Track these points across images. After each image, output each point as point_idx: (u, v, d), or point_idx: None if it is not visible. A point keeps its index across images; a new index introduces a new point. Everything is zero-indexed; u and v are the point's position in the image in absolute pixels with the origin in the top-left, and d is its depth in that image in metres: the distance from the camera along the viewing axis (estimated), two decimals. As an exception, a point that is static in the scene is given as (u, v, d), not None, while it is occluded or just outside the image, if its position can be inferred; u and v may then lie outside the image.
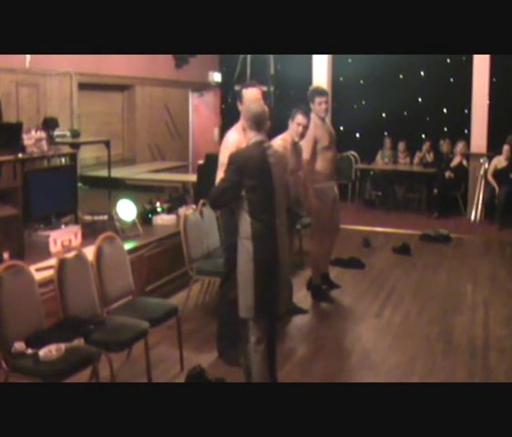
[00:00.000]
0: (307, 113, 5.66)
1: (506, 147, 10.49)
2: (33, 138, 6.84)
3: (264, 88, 11.79)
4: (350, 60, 12.19)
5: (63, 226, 6.30)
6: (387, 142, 12.15)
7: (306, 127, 5.60)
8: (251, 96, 4.81)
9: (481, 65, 10.61)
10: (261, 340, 4.06)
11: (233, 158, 3.98)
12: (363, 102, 12.39)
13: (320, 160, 6.19)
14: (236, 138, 4.65)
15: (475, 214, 10.73)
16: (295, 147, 5.63)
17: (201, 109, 13.66)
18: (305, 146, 5.93)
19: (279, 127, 5.80)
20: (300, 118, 5.54)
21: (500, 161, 10.56)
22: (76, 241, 6.01)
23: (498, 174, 10.54)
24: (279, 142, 5.36)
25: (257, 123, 4.02)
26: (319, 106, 6.21)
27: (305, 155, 5.94)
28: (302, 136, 5.62)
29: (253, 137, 4.04)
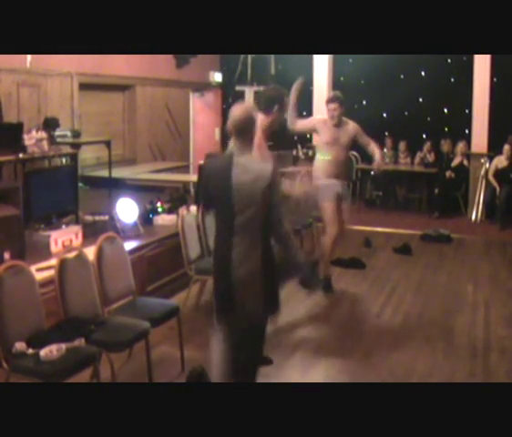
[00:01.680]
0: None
1: (506, 147, 10.49)
2: (33, 138, 6.84)
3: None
4: (351, 60, 12.18)
5: (64, 226, 6.30)
6: (388, 142, 12.15)
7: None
8: None
9: (482, 65, 10.62)
10: (219, 340, 3.90)
11: (202, 167, 3.98)
12: (364, 102, 12.39)
13: (320, 155, 6.78)
14: None
15: (475, 214, 10.73)
16: None
17: (202, 109, 13.66)
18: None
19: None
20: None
21: (501, 161, 10.56)
22: (77, 241, 6.02)
23: (499, 174, 10.54)
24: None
25: (237, 130, 3.68)
26: (331, 111, 6.81)
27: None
28: None
29: (231, 144, 3.79)
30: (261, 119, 4.43)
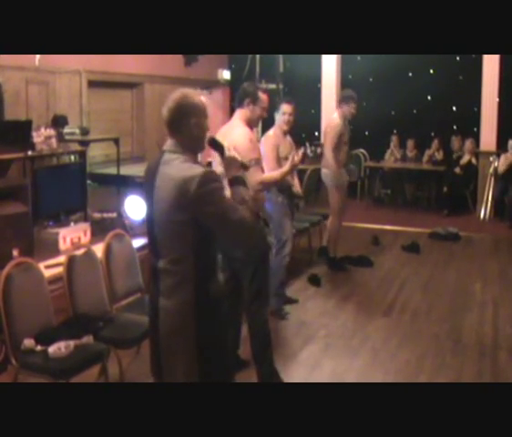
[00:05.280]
0: (290, 101, 6.10)
1: (511, 143, 10.45)
2: (42, 136, 6.87)
3: (273, 86, 11.88)
4: (359, 58, 12.17)
5: (72, 223, 6.32)
6: (396, 140, 12.12)
7: (292, 115, 6.01)
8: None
9: (491, 62, 10.57)
10: None
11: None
12: (373, 100, 12.37)
13: (341, 151, 7.25)
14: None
15: (484, 212, 10.69)
16: (285, 136, 6.02)
17: (210, 107, 13.66)
18: (330, 139, 7.16)
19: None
20: (285, 107, 5.98)
21: (507, 158, 10.50)
22: (86, 239, 6.03)
23: (505, 171, 10.47)
24: (271, 133, 5.93)
25: (167, 123, 2.81)
26: (353, 110, 7.27)
27: (329, 147, 7.15)
28: (290, 123, 6.02)
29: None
30: (239, 115, 4.48)
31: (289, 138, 6.08)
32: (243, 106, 4.43)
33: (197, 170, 2.67)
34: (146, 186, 2.86)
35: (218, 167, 3.04)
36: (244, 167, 3.20)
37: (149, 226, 2.86)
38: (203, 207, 2.65)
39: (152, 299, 2.84)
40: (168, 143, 2.80)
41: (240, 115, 4.42)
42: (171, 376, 2.83)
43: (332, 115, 7.55)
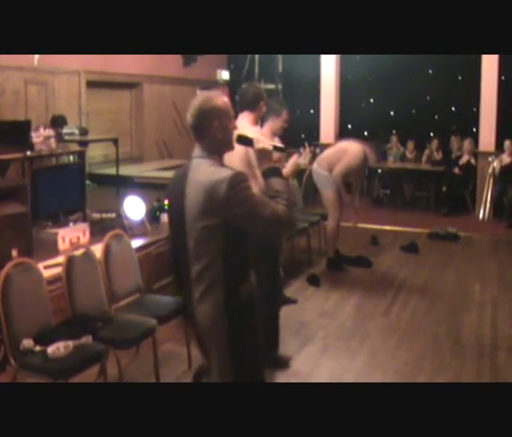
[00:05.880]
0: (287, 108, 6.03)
1: (507, 143, 10.46)
2: (41, 136, 6.86)
3: (272, 86, 11.88)
4: (358, 58, 12.16)
5: (71, 223, 6.31)
6: (396, 140, 12.13)
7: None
8: None
9: (490, 62, 10.57)
10: None
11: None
12: (372, 100, 12.38)
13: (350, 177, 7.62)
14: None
15: (483, 212, 10.68)
16: (273, 138, 5.88)
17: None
18: (344, 166, 7.29)
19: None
20: (286, 114, 5.79)
21: (504, 158, 10.51)
22: (85, 239, 6.02)
23: (504, 171, 10.48)
24: (262, 138, 5.61)
25: (193, 129, 2.78)
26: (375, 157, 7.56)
27: (341, 172, 7.29)
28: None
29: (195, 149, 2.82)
30: (248, 118, 4.48)
31: (277, 140, 6.05)
32: (256, 109, 4.48)
33: (225, 173, 2.65)
34: (174, 194, 2.82)
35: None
36: (279, 150, 3.17)
37: (178, 236, 2.80)
38: (234, 209, 2.62)
39: (188, 308, 2.85)
40: (196, 149, 2.78)
41: (250, 117, 4.45)
42: (211, 377, 2.87)
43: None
